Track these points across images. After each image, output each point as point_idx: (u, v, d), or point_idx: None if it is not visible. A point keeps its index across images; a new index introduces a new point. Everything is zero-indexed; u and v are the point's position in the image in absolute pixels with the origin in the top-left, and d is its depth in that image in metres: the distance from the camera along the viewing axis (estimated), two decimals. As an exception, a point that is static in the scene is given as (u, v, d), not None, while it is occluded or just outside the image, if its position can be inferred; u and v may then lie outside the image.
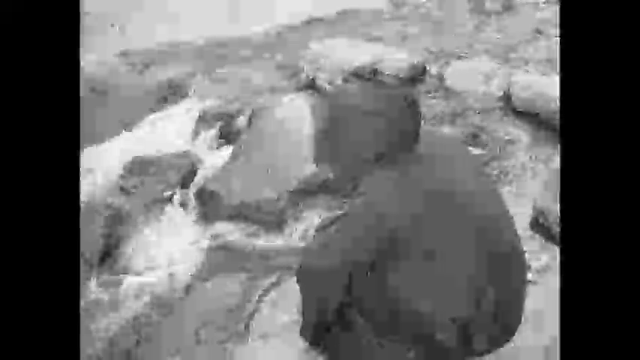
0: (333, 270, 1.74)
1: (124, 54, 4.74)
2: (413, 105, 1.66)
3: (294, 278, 2.58)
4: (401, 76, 3.90)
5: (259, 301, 2.54)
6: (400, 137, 1.65)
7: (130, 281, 2.85)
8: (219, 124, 3.81)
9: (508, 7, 5.40)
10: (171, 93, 4.17)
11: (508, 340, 1.79)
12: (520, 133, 3.59)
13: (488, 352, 1.78)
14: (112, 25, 5.13)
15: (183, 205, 3.34)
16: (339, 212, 1.75)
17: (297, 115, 3.55)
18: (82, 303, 2.64)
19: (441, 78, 4.11)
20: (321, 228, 1.84)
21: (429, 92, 3.98)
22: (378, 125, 1.63)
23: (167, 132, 3.87)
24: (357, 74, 1.70)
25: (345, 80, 1.72)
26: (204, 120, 3.85)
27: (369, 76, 1.69)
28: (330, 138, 1.73)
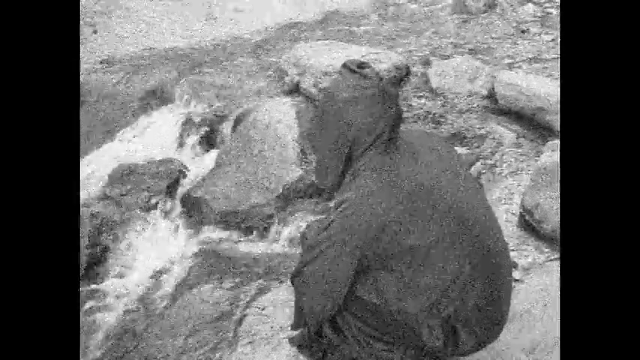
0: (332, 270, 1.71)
1: (106, 61, 4.72)
2: (386, 92, 1.69)
3: (284, 284, 2.59)
4: (385, 76, 3.90)
5: (247, 307, 2.53)
6: (377, 124, 1.67)
7: (116, 290, 2.83)
8: (204, 129, 3.80)
9: (492, 6, 5.41)
10: (156, 100, 4.14)
11: (494, 339, 1.80)
12: (505, 131, 3.60)
13: (474, 351, 1.78)
14: (95, 32, 5.10)
15: (169, 212, 3.33)
16: (325, 218, 1.75)
17: (282, 119, 3.55)
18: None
19: (425, 78, 4.11)
20: (304, 235, 1.84)
21: (413, 92, 3.99)
22: (354, 113, 1.67)
23: (152, 139, 3.85)
24: (347, 66, 1.74)
25: (339, 72, 1.77)
26: (189, 126, 3.84)
27: (355, 67, 1.72)
28: (316, 126, 1.79)
